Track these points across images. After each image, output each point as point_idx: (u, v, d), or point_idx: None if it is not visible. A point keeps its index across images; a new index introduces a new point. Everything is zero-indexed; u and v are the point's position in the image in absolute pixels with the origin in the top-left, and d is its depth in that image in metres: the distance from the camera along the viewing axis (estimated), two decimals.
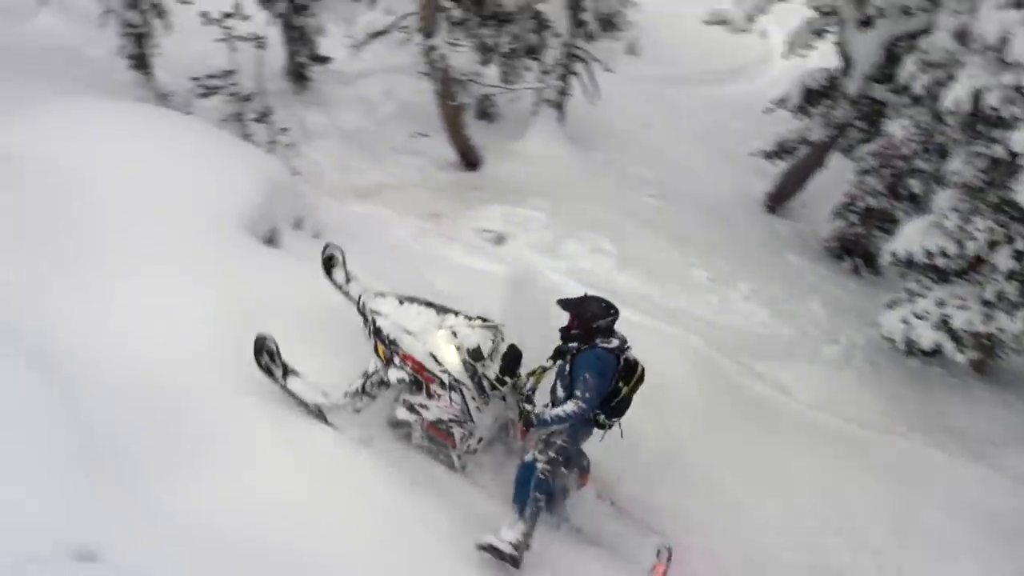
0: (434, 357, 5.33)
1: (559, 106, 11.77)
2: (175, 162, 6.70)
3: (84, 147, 6.48)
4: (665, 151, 12.63)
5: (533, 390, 5.48)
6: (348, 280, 5.98)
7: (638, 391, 5.42)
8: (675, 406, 6.71)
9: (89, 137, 6.67)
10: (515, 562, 4.99)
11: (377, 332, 5.47)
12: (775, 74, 17.50)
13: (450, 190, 10.52)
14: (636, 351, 5.35)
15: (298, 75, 12.38)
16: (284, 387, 5.36)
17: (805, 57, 12.77)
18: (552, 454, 5.31)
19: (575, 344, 5.30)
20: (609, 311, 5.30)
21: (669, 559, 5.81)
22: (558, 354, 5.43)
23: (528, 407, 5.26)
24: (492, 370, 5.37)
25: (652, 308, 8.52)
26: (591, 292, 5.66)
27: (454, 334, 5.35)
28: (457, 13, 11.05)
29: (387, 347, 5.42)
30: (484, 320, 5.57)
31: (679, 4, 16.95)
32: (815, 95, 11.90)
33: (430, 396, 5.41)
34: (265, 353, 5.32)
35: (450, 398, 5.36)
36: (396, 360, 5.39)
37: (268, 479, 4.72)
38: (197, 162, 6.91)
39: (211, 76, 10.27)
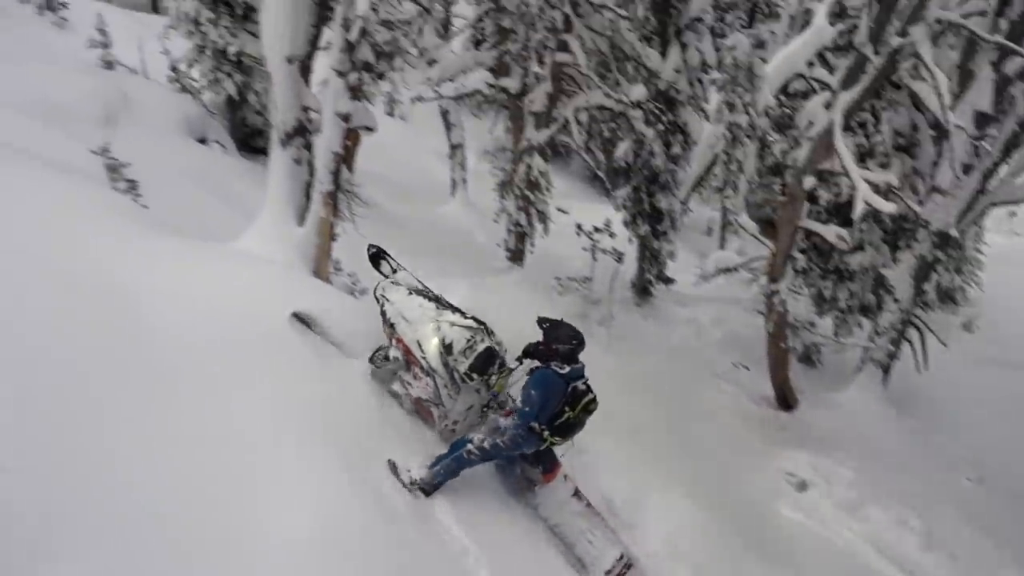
0: (419, 344, 6.29)
1: (885, 368, 11.86)
2: None
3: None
4: (989, 432, 12.00)
5: (496, 395, 6.50)
6: (394, 271, 7.33)
7: (589, 417, 6.07)
8: None
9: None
10: (404, 486, 5.89)
11: (383, 314, 6.58)
12: None
13: (759, 425, 10.94)
14: None
15: (643, 289, 13.80)
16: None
17: None
18: (485, 447, 6.01)
19: (535, 360, 6.10)
20: (571, 340, 5.92)
21: (627, 568, 6.31)
22: (525, 355, 6.35)
23: (488, 411, 6.33)
24: (463, 365, 6.23)
25: None
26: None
27: (439, 328, 6.31)
28: (802, 263, 11.85)
29: (388, 327, 6.54)
30: (475, 321, 6.50)
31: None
32: None
33: (415, 377, 6.37)
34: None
35: (427, 382, 6.28)
36: (392, 341, 6.48)
37: None
38: None
39: (570, 278, 11.96)
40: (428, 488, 6.02)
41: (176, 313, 5.84)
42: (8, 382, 4.46)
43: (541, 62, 11.94)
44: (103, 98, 11.79)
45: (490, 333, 6.59)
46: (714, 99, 13.55)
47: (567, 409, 5.98)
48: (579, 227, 12.07)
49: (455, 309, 6.75)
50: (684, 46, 12.45)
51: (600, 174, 13.53)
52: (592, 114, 12.66)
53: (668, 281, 14.19)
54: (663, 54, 12.61)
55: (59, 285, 5.39)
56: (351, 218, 8.72)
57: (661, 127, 12.38)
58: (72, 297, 5.37)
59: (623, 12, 11.37)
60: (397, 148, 20.27)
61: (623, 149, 13.17)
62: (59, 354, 4.88)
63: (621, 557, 6.41)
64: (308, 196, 8.16)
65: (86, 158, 9.08)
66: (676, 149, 12.83)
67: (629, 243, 13.50)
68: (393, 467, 6.00)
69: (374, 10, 7.00)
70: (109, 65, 13.93)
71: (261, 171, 12.62)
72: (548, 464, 6.52)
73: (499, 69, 12.48)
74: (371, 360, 6.61)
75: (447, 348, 6.30)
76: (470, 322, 6.56)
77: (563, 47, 11.50)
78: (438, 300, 6.81)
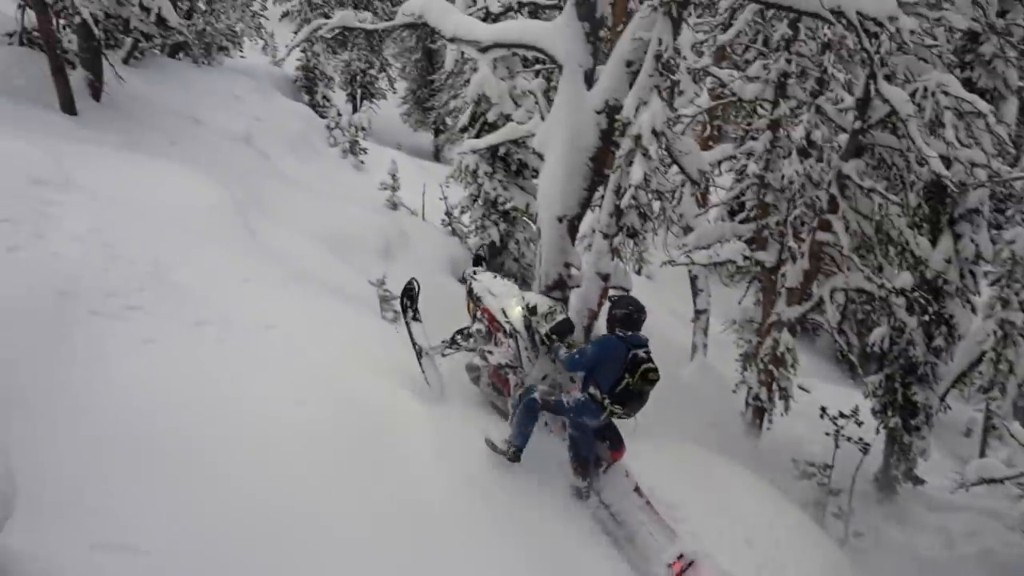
0: (504, 312, 7.05)
1: None
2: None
3: None
4: None
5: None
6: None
7: (651, 389, 6.29)
8: None
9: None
10: (505, 455, 6.37)
11: (470, 292, 7.38)
12: None
13: None
14: None
15: (888, 485, 12.97)
16: (407, 323, 7.11)
17: None
18: (550, 399, 6.51)
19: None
20: (628, 306, 6.40)
21: (689, 567, 6.28)
22: None
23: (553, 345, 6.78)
24: (544, 327, 6.82)
25: None
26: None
27: (523, 298, 7.10)
28: None
29: (474, 302, 7.31)
30: (553, 299, 7.40)
31: None
32: None
33: (496, 344, 7.07)
34: (407, 295, 7.24)
35: (508, 344, 6.91)
36: (478, 314, 7.24)
37: None
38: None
39: (809, 463, 11.53)
40: (517, 447, 6.44)
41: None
42: None
43: (800, 238, 12.05)
44: (385, 235, 13.27)
45: (566, 311, 7.47)
46: (986, 293, 12.94)
47: (627, 375, 6.17)
48: (823, 410, 11.70)
49: (545, 296, 7.71)
50: (957, 236, 12.10)
51: (851, 357, 13.10)
52: (849, 295, 12.46)
53: (917, 481, 13.25)
54: (933, 242, 12.30)
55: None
56: None
57: (924, 317, 11.93)
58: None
59: (893, 197, 11.30)
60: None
61: (879, 335, 12.78)
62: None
63: (682, 556, 6.41)
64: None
65: (363, 286, 10.22)
66: (939, 341, 12.27)
67: (876, 434, 12.85)
68: (491, 444, 6.47)
69: (647, 180, 7.54)
70: (394, 206, 15.67)
71: None
72: (615, 442, 6.80)
73: (755, 241, 12.71)
74: (446, 351, 7.41)
75: (531, 310, 6.95)
76: (554, 300, 7.58)
77: (825, 226, 11.57)
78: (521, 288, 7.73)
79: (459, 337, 7.50)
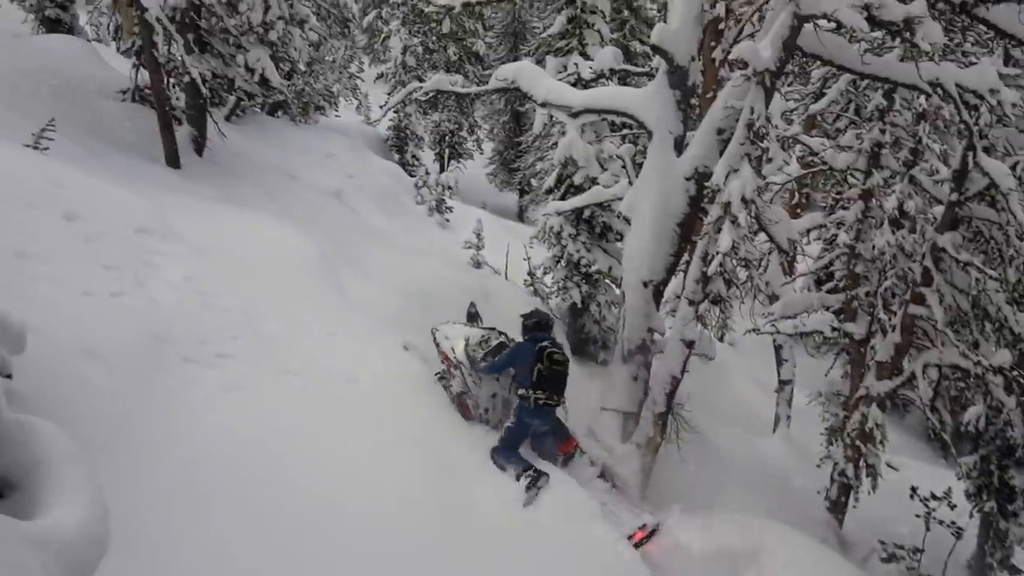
0: (452, 349, 7.98)
1: None
2: None
3: None
4: None
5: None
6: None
7: (562, 371, 7.47)
8: None
9: None
10: (522, 481, 6.99)
11: (437, 346, 8.23)
12: None
13: None
14: None
15: (981, 573, 12.26)
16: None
17: None
18: (504, 433, 7.42)
19: None
20: (532, 317, 8.04)
21: (653, 533, 7.13)
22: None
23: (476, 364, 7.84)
24: (479, 353, 7.93)
25: None
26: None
27: (466, 335, 8.13)
28: None
29: (440, 353, 8.17)
30: (496, 329, 8.47)
31: None
32: None
33: (452, 376, 7.91)
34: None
35: (458, 375, 7.80)
36: (440, 358, 8.15)
37: None
38: None
39: (897, 545, 10.98)
40: (522, 470, 7.10)
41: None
42: None
43: (891, 311, 11.66)
44: (468, 292, 13.36)
45: (505, 335, 8.37)
46: None
47: (538, 363, 7.36)
48: (914, 490, 11.20)
49: (485, 328, 8.64)
50: None
51: (944, 436, 12.50)
52: (943, 372, 11.95)
53: (1015, 571, 12.46)
54: None
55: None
56: (676, 441, 8.90)
57: None
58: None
59: (991, 272, 10.86)
60: (720, 372, 20.32)
61: (975, 414, 12.18)
62: None
63: (644, 526, 7.19)
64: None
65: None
66: None
67: (970, 518, 12.18)
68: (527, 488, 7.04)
69: (735, 247, 7.43)
70: (478, 264, 15.80)
71: (588, 376, 13.36)
72: (560, 436, 7.84)
73: (844, 312, 12.35)
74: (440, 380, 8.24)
75: (467, 342, 7.98)
76: (489, 329, 8.49)
77: (918, 299, 11.17)
78: (475, 326, 8.71)
79: (437, 378, 8.31)
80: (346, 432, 6.53)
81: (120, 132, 13.27)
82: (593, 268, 14.61)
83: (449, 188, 21.07)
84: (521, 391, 7.42)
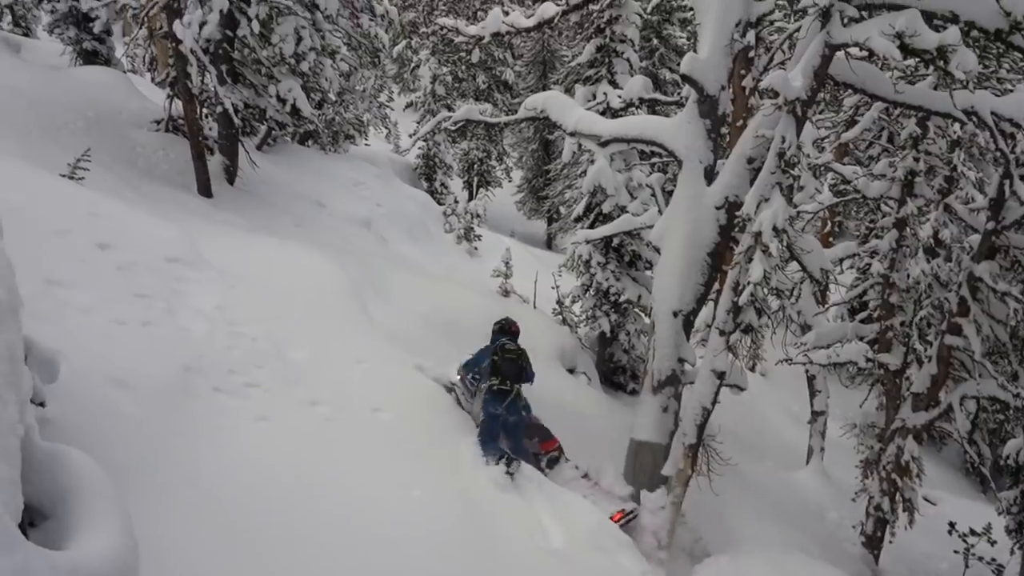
0: (450, 379, 8.64)
1: None
2: None
3: None
4: None
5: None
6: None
7: (514, 358, 8.31)
8: None
9: None
10: (507, 464, 7.43)
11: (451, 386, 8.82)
12: None
13: None
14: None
15: None
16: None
17: None
18: (481, 425, 7.94)
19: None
20: (502, 321, 8.93)
21: (630, 516, 7.89)
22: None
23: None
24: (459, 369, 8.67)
25: None
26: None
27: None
28: None
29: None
30: None
31: None
32: None
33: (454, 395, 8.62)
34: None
35: (456, 395, 8.55)
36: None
37: None
38: None
39: None
40: (494, 456, 7.51)
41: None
42: None
43: (927, 341, 11.49)
44: (496, 321, 13.34)
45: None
46: None
47: (494, 356, 8.25)
48: (952, 525, 10.96)
49: None
50: None
51: (983, 470, 12.25)
52: (981, 404, 11.74)
53: None
54: None
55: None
56: (707, 474, 8.78)
57: None
58: None
59: None
60: (752, 403, 20.09)
61: (1015, 447, 11.91)
62: None
63: (623, 510, 7.88)
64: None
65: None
66: None
67: (1011, 555, 11.88)
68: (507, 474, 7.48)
69: (766, 277, 7.37)
70: (506, 293, 15.81)
71: (618, 406, 13.26)
72: (542, 436, 8.58)
73: (879, 343, 12.19)
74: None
75: (460, 365, 8.63)
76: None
77: (955, 329, 11.00)
78: None
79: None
80: (372, 461, 6.53)
81: (154, 161, 13.50)
82: (622, 297, 14.55)
83: (478, 216, 21.15)
84: (483, 384, 8.25)
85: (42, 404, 4.45)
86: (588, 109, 10.56)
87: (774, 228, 7.23)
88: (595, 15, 15.31)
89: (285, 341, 7.64)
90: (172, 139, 14.27)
